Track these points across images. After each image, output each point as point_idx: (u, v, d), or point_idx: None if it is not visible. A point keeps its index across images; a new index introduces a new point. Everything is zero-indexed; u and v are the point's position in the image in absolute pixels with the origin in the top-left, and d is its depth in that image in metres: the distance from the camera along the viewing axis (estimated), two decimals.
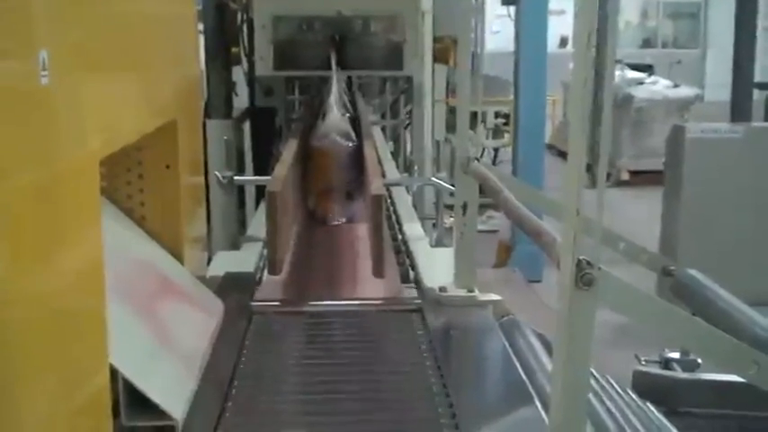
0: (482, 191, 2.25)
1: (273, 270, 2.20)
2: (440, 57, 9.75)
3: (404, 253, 2.93)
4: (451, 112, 12.32)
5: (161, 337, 1.76)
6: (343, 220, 3.15)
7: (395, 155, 6.01)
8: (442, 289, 2.39)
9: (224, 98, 3.64)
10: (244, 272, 2.56)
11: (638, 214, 8.71)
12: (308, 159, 3.03)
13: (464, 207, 2.38)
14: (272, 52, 3.19)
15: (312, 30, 3.20)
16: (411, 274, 2.68)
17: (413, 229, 3.23)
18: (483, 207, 10.27)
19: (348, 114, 3.06)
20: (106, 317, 1.41)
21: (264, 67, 3.20)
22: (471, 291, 2.41)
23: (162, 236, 2.11)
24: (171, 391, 1.61)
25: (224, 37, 3.60)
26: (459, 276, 2.43)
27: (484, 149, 11.73)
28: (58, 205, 1.25)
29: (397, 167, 5.06)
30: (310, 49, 3.15)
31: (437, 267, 2.62)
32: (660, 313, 1.29)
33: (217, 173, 2.89)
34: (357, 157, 2.98)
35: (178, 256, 2.15)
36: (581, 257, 1.26)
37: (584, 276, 1.26)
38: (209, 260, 2.68)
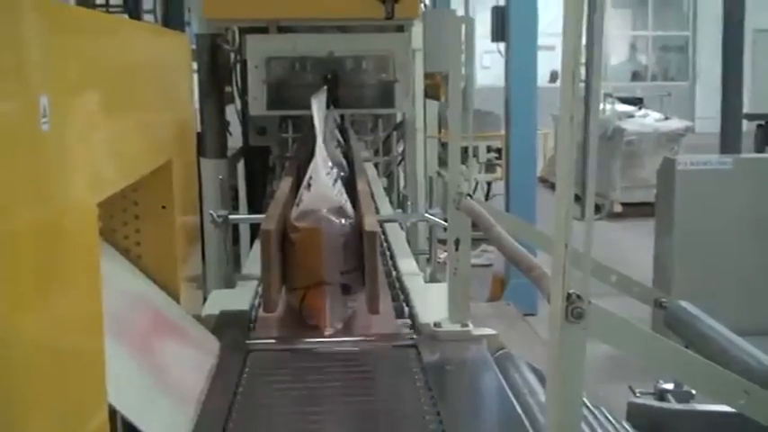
0: (475, 225, 2.27)
1: (268, 308, 2.21)
2: (431, 93, 9.87)
3: (398, 289, 2.94)
4: (444, 147, 12.43)
5: (158, 375, 1.77)
6: (340, 325, 2.33)
7: (388, 191, 6.06)
8: (437, 324, 2.41)
9: (218, 137, 3.68)
10: (239, 310, 2.57)
11: (632, 246, 8.76)
12: (289, 243, 2.31)
13: (456, 243, 2.41)
14: (266, 92, 3.23)
15: (304, 70, 3.25)
16: (405, 309, 2.69)
17: (407, 264, 3.25)
18: (477, 241, 10.31)
19: (340, 148, 2.94)
20: (105, 358, 1.43)
21: (258, 107, 3.24)
22: (466, 325, 2.43)
23: (158, 275, 2.14)
24: (169, 429, 1.62)
25: (217, 77, 3.65)
26: (454, 311, 2.45)
27: (477, 184, 11.80)
28: (58, 248, 1.27)
29: (391, 203, 5.09)
30: (303, 88, 3.19)
31: (431, 303, 2.64)
32: (650, 345, 1.31)
33: (211, 212, 2.91)
34: (355, 237, 2.34)
35: (174, 295, 2.17)
36: (571, 291, 1.29)
37: (574, 310, 1.29)
38: (205, 299, 2.69)
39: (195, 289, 2.51)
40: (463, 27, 2.33)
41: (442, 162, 12.25)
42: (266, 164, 4.00)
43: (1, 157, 1.07)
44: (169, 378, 1.82)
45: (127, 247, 2.08)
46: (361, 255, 2.23)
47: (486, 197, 11.80)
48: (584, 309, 1.28)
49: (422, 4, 10.50)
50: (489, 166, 12.64)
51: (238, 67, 3.73)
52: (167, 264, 2.14)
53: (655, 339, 1.31)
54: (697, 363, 1.30)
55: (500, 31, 7.91)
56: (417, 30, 8.01)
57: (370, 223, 2.33)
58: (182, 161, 2.21)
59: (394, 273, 3.18)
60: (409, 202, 5.73)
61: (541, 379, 2.08)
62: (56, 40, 1.24)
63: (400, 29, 3.34)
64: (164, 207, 2.10)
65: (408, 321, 2.56)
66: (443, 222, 3.02)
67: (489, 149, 11.83)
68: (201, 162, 3.77)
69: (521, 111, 7.70)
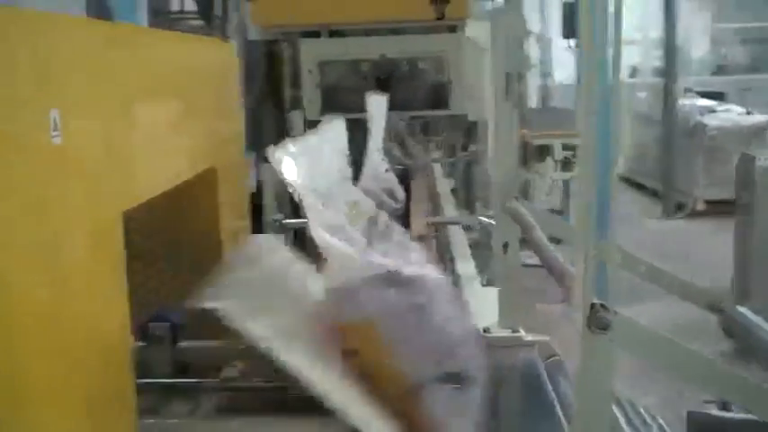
0: None
1: None
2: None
3: None
4: (522, 146, 12.27)
5: None
6: None
7: (457, 192, 6.01)
8: (486, 330, 2.36)
9: (276, 142, 3.69)
10: None
11: (714, 245, 8.47)
12: None
13: (505, 246, 2.36)
14: (320, 96, 3.23)
15: (357, 73, 3.24)
16: None
17: (465, 267, 3.20)
18: (552, 241, 10.14)
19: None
20: (131, 365, 1.44)
21: (313, 111, 3.25)
22: (516, 331, 2.37)
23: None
24: None
25: (276, 82, 3.67)
26: (503, 316, 2.39)
27: (553, 182, 11.61)
28: (82, 254, 1.28)
29: (461, 205, 5.03)
30: (356, 91, 3.18)
31: (485, 306, 2.59)
32: (681, 357, 1.25)
33: (270, 217, 2.93)
34: None
35: None
36: (595, 301, 1.23)
37: (598, 320, 1.23)
38: None
39: None
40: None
41: (521, 161, 12.14)
42: None
43: (22, 167, 1.09)
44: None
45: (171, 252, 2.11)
46: None
47: (564, 196, 11.58)
48: (609, 319, 1.23)
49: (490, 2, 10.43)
50: (566, 165, 12.44)
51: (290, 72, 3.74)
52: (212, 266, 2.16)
53: (685, 352, 1.25)
54: (731, 375, 1.23)
55: (571, 27, 7.77)
56: (483, 26, 7.97)
57: (417, 227, 2.31)
58: (226, 167, 2.22)
59: (451, 275, 3.14)
60: (477, 203, 5.67)
61: None
62: (78, 56, 1.25)
63: (453, 29, 3.29)
64: (207, 211, 2.12)
65: None
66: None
67: (565, 147, 11.63)
68: (262, 167, 3.80)
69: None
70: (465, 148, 6.13)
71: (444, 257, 3.39)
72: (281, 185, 3.49)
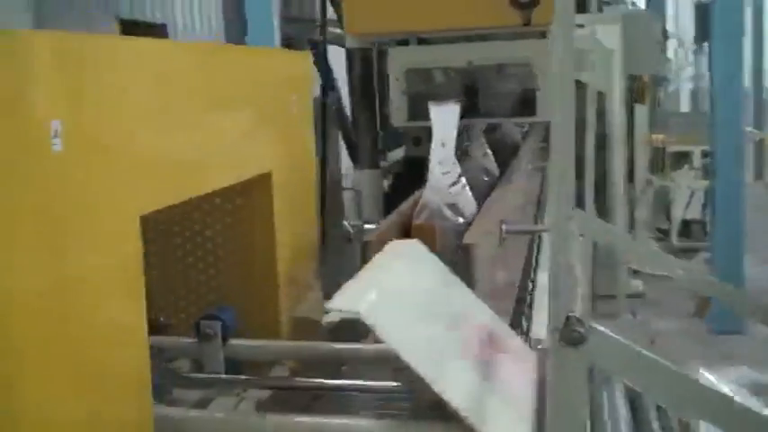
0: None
1: None
2: (637, 96, 9.48)
3: (525, 301, 2.87)
4: (657, 152, 11.81)
5: (498, 385, 1.73)
6: None
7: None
8: (537, 341, 2.33)
9: (370, 149, 3.78)
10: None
11: None
12: None
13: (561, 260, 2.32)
14: (406, 103, 3.27)
15: (444, 80, 3.26)
16: (524, 323, 2.63)
17: (545, 276, 3.16)
18: (691, 252, 9.76)
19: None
20: (149, 371, 1.54)
21: (400, 118, 3.29)
22: None
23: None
24: None
25: (370, 90, 3.75)
26: None
27: (693, 193, 11.13)
28: (100, 256, 1.39)
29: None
30: (443, 98, 3.19)
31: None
32: (658, 374, 1.21)
33: (345, 222, 3.00)
34: None
35: (273, 299, 2.27)
36: (570, 314, 1.22)
37: (572, 335, 1.22)
38: None
39: (315, 295, 2.60)
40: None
41: (655, 168, 11.71)
42: (422, 175, 4.04)
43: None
44: (506, 387, 1.78)
45: (224, 253, 2.22)
46: None
47: (704, 207, 11.07)
48: (583, 333, 1.21)
49: (622, 5, 10.14)
50: (707, 172, 11.90)
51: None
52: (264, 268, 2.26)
53: (664, 369, 1.21)
54: (708, 394, 1.18)
55: (703, 30, 7.48)
56: (614, 29, 7.76)
57: (469, 235, 2.31)
58: (286, 172, 2.30)
59: (530, 285, 3.11)
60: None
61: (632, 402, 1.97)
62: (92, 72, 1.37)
63: (543, 35, 3.26)
64: (261, 217, 2.21)
65: (522, 334, 2.50)
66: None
67: (705, 154, 11.14)
68: (355, 173, 3.90)
69: (725, 113, 7.20)
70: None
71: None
72: (359, 193, 3.59)
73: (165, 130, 1.62)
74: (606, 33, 7.91)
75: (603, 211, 8.45)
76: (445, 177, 2.57)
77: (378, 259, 1.89)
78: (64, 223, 1.30)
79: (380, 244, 2.36)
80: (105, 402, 1.40)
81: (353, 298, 1.56)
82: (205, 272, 2.26)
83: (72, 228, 1.32)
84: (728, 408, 1.14)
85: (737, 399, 1.16)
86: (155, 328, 2.09)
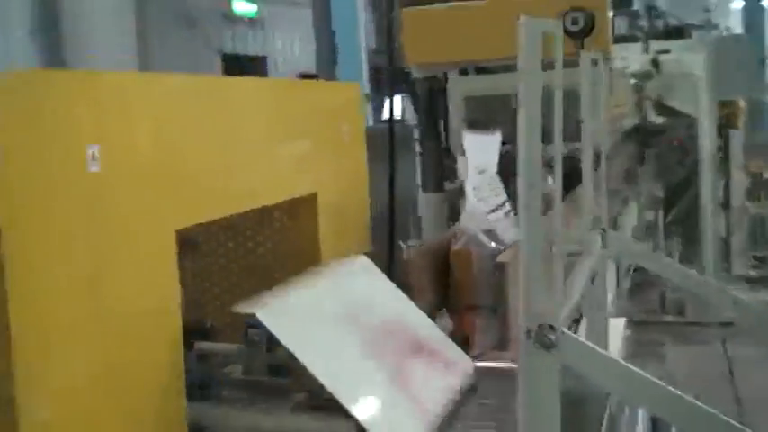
0: None
1: None
2: (729, 121, 9.29)
3: None
4: (753, 178, 11.46)
5: (405, 392, 1.96)
6: (486, 348, 2.42)
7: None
8: None
9: (434, 173, 3.92)
10: None
11: None
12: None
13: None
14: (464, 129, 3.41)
15: (500, 107, 3.38)
16: None
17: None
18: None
19: None
20: (183, 375, 1.72)
21: (458, 142, 3.43)
22: None
23: None
24: None
25: (435, 118, 3.89)
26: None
27: None
28: (136, 268, 1.58)
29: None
30: (498, 125, 3.31)
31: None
32: (625, 378, 1.31)
33: (400, 242, 3.14)
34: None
35: None
36: (542, 322, 1.32)
37: (544, 339, 1.32)
38: None
39: None
40: None
41: (752, 196, 11.36)
42: None
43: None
44: (415, 394, 1.96)
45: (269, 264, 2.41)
46: None
47: None
48: (553, 338, 1.31)
49: (715, 30, 9.95)
50: None
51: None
52: None
53: (630, 373, 1.30)
54: (670, 396, 1.27)
55: None
56: (699, 57, 7.69)
57: (504, 255, 2.42)
58: (333, 194, 2.47)
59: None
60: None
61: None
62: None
63: (594, 62, 3.33)
64: (305, 236, 2.38)
65: None
66: None
67: None
68: (421, 196, 4.06)
69: None
70: None
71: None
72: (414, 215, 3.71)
73: (202, 156, 1.82)
74: (692, 60, 7.85)
75: (694, 237, 8.31)
76: (481, 204, 2.65)
77: (305, 276, 2.14)
78: (104, 237, 1.50)
79: (414, 263, 2.51)
80: (140, 405, 1.58)
81: (256, 303, 1.88)
82: (258, 283, 2.45)
83: (111, 242, 1.51)
84: (677, 402, 1.23)
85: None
86: (207, 333, 2.30)
